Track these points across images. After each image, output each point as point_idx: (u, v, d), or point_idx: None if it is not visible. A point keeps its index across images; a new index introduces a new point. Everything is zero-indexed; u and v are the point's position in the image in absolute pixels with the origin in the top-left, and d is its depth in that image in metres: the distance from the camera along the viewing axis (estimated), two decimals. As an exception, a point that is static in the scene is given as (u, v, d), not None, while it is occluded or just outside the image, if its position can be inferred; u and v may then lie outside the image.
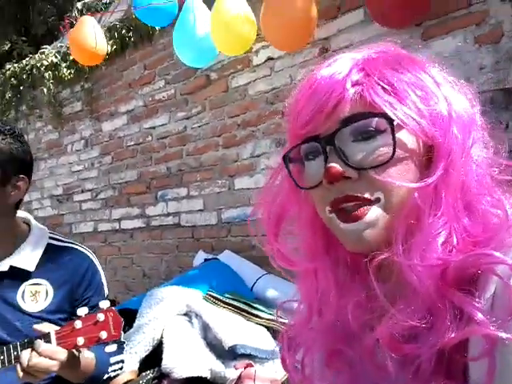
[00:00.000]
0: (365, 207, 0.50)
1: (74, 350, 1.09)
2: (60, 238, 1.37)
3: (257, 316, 1.95)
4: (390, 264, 0.50)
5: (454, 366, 0.46)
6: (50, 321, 1.21)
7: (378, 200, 0.50)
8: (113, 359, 1.25)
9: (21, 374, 1.04)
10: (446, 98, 0.51)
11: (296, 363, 0.62)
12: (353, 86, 0.51)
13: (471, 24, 1.77)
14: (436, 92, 0.51)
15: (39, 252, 1.28)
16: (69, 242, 1.37)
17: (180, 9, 2.48)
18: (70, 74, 3.66)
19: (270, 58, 2.47)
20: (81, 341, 1.05)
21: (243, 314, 1.97)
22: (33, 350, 1.04)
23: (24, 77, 4.08)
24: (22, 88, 4.16)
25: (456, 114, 0.51)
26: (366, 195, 0.50)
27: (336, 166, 0.50)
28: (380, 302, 0.51)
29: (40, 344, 1.04)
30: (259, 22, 2.30)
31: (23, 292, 1.24)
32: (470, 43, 1.78)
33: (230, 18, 2.16)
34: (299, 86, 0.56)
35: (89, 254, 1.36)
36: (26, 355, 1.04)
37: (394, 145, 0.49)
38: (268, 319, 1.92)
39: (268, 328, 1.91)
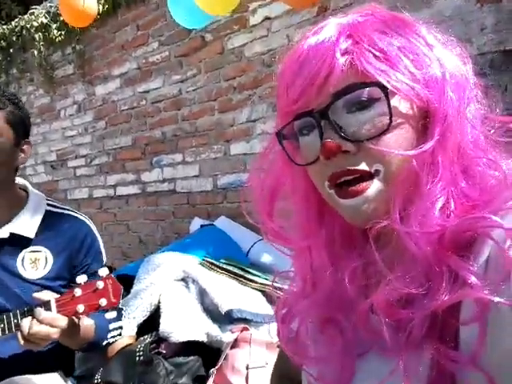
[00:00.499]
0: (366, 182, 0.49)
1: (73, 318, 1.10)
2: (57, 204, 1.36)
3: (252, 281, 1.97)
4: (388, 232, 0.49)
5: (447, 330, 0.46)
6: (50, 288, 1.22)
7: (377, 172, 0.49)
8: (112, 325, 1.26)
9: (22, 341, 1.05)
10: (439, 60, 0.50)
11: (290, 334, 0.63)
12: (342, 55, 0.49)
13: (476, -19, 1.70)
14: (428, 54, 0.50)
15: (38, 219, 1.28)
16: (66, 209, 1.36)
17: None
18: (60, 35, 3.55)
19: (267, 18, 2.38)
20: (81, 308, 1.06)
21: (239, 279, 1.98)
22: (33, 317, 1.05)
23: (14, 39, 3.97)
24: (11, 50, 4.05)
25: (449, 75, 0.49)
26: (365, 167, 0.49)
27: (332, 141, 0.49)
28: (377, 268, 0.51)
29: (40, 312, 1.05)
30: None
31: (23, 259, 1.25)
32: (472, 2, 1.72)
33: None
34: (286, 57, 0.54)
35: (87, 221, 1.36)
36: (26, 323, 1.05)
37: (391, 113, 0.48)
38: (263, 284, 1.94)
39: (263, 292, 1.92)
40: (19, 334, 1.05)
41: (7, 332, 1.09)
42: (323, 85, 0.49)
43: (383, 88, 0.48)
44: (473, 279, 0.43)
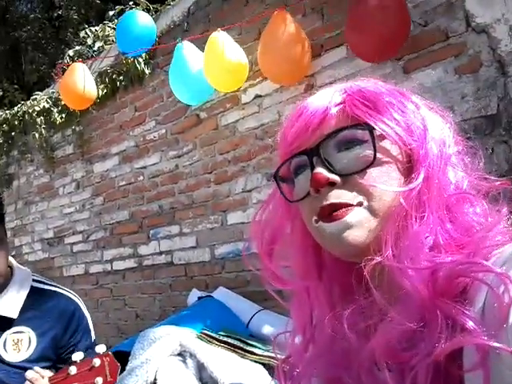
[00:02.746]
0: (346, 208, 0.52)
1: None
2: (44, 280, 1.33)
3: (252, 353, 1.91)
4: (381, 270, 0.51)
5: (451, 379, 0.46)
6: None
7: (359, 204, 0.52)
8: None
9: None
10: (423, 117, 0.55)
11: None
12: (336, 105, 0.55)
13: (450, 56, 1.84)
14: (413, 109, 0.55)
15: (22, 297, 1.23)
16: (53, 286, 1.32)
17: (169, 54, 2.57)
18: (61, 118, 3.71)
19: (257, 96, 2.53)
20: None
21: (238, 351, 1.92)
22: None
23: (16, 123, 4.13)
24: (13, 134, 4.20)
25: (431, 128, 0.54)
26: (349, 201, 0.52)
27: (321, 172, 0.52)
28: (374, 310, 0.51)
29: None
30: (254, 59, 2.40)
31: (5, 341, 1.19)
32: (451, 73, 1.84)
33: (223, 57, 2.25)
34: (287, 117, 0.60)
35: (74, 298, 1.32)
36: None
37: (375, 150, 0.52)
38: (264, 355, 1.87)
39: (264, 365, 1.86)
40: None
41: None
42: (317, 128, 0.55)
43: (370, 129, 0.52)
44: (470, 324, 0.43)
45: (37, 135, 3.83)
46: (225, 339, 1.96)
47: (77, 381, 1.03)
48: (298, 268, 0.61)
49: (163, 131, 3.05)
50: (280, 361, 0.65)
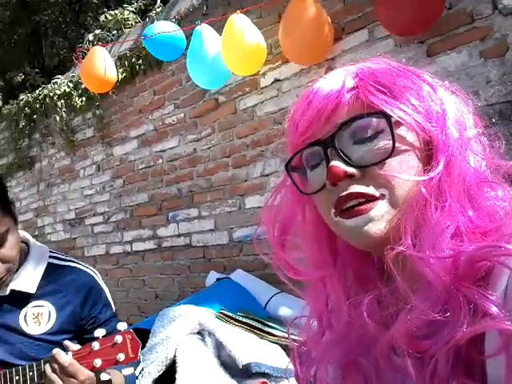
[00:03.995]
0: (370, 203, 0.50)
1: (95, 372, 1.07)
2: (61, 256, 1.35)
3: (270, 334, 1.94)
4: (402, 259, 0.49)
5: (473, 365, 0.45)
6: (53, 342, 1.21)
7: (382, 196, 0.50)
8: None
9: None
10: (441, 99, 0.52)
11: (310, 378, 0.61)
12: (348, 91, 0.52)
13: (475, 39, 1.80)
14: (430, 92, 0.53)
15: (40, 272, 1.25)
16: (70, 261, 1.34)
17: (188, 38, 2.56)
18: (81, 101, 3.76)
19: (276, 80, 2.52)
20: (98, 362, 1.05)
21: (256, 332, 1.95)
22: (53, 368, 1.04)
23: (37, 106, 4.19)
24: (35, 117, 4.27)
25: (450, 112, 0.52)
26: (371, 192, 0.50)
27: (338, 166, 0.50)
28: (393, 299, 0.51)
29: (65, 359, 1.04)
30: (273, 42, 2.38)
31: (25, 315, 1.22)
32: (476, 58, 1.81)
33: (241, 40, 2.24)
34: (296, 102, 0.57)
35: (91, 272, 1.34)
36: (50, 371, 1.04)
37: (394, 139, 0.50)
38: (282, 337, 1.90)
39: (282, 346, 1.89)
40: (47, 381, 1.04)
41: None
42: (330, 117, 0.52)
43: (387, 117, 0.50)
44: (494, 309, 0.42)
45: (58, 118, 3.89)
46: (243, 320, 2.00)
47: (100, 356, 1.06)
48: (312, 257, 0.60)
49: (182, 115, 3.07)
50: (296, 346, 0.65)
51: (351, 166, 0.50)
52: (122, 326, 1.08)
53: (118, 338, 1.06)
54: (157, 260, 3.23)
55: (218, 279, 2.54)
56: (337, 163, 0.50)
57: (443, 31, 1.89)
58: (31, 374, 1.08)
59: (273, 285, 2.34)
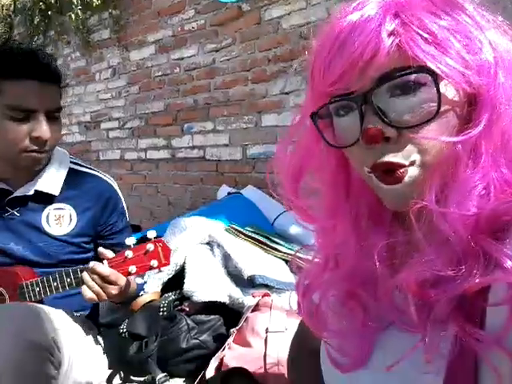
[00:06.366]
0: (403, 169, 0.48)
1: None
2: (80, 163, 1.36)
3: (276, 249, 2.01)
4: (425, 214, 0.48)
5: (474, 310, 0.46)
6: (73, 244, 1.27)
7: (412, 163, 0.48)
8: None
9: (88, 295, 1.10)
10: (491, 43, 0.47)
11: (311, 307, 0.62)
12: (389, 36, 0.45)
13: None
14: (479, 36, 0.47)
15: (62, 176, 1.28)
16: (90, 168, 1.36)
17: None
18: (97, 0, 3.58)
19: (306, -10, 2.36)
20: (133, 269, 1.11)
21: (263, 246, 2.03)
22: (95, 274, 1.10)
23: (52, 1, 4.01)
24: (50, 13, 4.10)
25: (502, 59, 0.47)
26: (402, 161, 0.48)
27: (375, 128, 0.46)
28: (405, 249, 0.51)
29: (105, 268, 1.10)
30: None
31: (48, 215, 1.25)
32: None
33: None
34: (322, 33, 0.50)
35: (111, 181, 1.36)
36: (89, 278, 1.10)
37: (439, 101, 0.45)
38: (287, 253, 1.98)
39: (287, 262, 1.97)
40: (85, 287, 1.10)
41: (61, 290, 1.14)
42: (366, 68, 0.46)
43: (432, 73, 0.45)
44: (508, 264, 0.42)
45: (73, 16, 3.73)
46: (251, 234, 2.07)
47: (134, 263, 1.11)
48: (326, 205, 0.59)
49: (202, 21, 2.93)
50: (300, 275, 0.65)
51: (388, 125, 0.47)
52: (151, 234, 1.12)
53: (150, 246, 1.10)
54: (170, 169, 3.27)
55: (229, 193, 2.58)
56: (374, 124, 0.47)
57: None
58: (69, 280, 1.14)
59: (282, 203, 2.38)
